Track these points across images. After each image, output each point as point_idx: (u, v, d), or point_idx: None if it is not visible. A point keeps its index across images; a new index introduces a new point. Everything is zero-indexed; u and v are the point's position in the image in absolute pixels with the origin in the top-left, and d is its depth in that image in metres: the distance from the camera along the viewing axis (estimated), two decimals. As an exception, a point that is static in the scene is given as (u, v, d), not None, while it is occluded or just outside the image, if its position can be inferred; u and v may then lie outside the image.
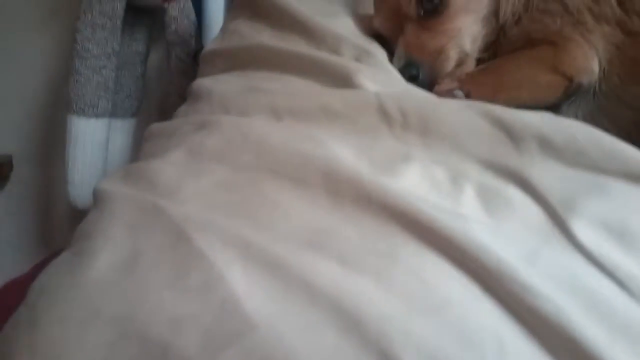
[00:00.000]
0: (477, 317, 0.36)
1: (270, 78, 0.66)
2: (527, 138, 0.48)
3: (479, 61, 0.74)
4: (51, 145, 1.28)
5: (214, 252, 0.39)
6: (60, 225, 1.30)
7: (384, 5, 0.77)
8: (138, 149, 1.11)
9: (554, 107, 0.69)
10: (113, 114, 1.05)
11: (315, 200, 0.44)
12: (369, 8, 0.86)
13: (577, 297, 0.38)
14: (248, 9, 0.81)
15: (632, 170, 0.44)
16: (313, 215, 0.43)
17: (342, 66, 0.62)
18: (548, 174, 0.46)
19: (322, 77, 0.63)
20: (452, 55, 0.72)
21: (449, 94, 0.67)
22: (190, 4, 1.04)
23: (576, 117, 0.68)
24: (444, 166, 0.48)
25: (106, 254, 0.41)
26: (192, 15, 1.04)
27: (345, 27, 0.76)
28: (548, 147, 0.47)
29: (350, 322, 0.35)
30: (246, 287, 0.37)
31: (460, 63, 0.72)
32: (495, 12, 0.73)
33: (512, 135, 0.49)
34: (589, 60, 0.66)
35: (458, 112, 0.52)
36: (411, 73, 0.70)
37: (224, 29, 0.83)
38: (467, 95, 0.66)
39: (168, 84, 1.06)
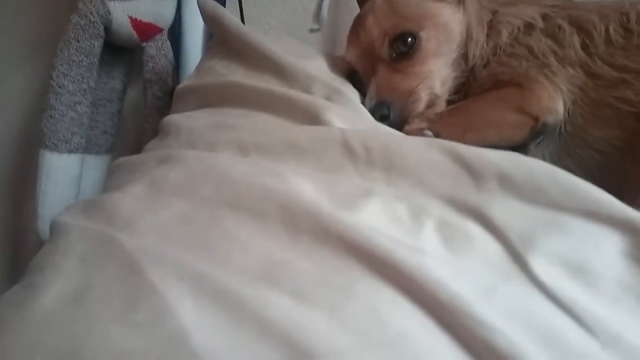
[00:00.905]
0: (431, 351, 0.36)
1: (240, 115, 0.66)
2: (488, 175, 0.48)
3: (449, 102, 0.75)
4: (23, 179, 1.26)
5: (165, 285, 0.38)
6: (28, 260, 1.27)
7: (357, 45, 0.78)
8: (111, 186, 1.11)
9: (522, 148, 0.70)
10: (87, 150, 1.04)
11: (273, 233, 0.44)
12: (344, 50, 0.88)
13: (534, 332, 0.37)
14: (223, 48, 0.82)
15: (589, 208, 0.45)
16: (270, 248, 0.42)
17: (312, 104, 0.63)
18: (507, 211, 0.46)
19: (292, 115, 0.64)
20: (423, 97, 0.73)
21: (418, 133, 0.68)
22: (168, 44, 1.05)
23: (543, 157, 0.69)
24: (405, 202, 0.48)
25: (56, 286, 0.40)
26: (170, 55, 1.05)
27: (317, 67, 0.77)
28: (507, 184, 0.48)
29: (300, 356, 0.34)
30: (196, 321, 0.36)
31: (430, 104, 0.74)
32: (464, 56, 0.75)
33: (473, 172, 0.49)
34: (554, 101, 0.67)
35: (421, 149, 0.52)
36: (382, 112, 0.71)
37: (199, 68, 0.84)
38: (437, 135, 0.67)
39: (144, 121, 1.06)
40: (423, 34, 0.73)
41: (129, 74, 1.12)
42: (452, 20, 0.75)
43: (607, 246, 0.43)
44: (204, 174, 0.50)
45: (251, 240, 0.43)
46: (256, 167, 0.51)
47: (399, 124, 0.70)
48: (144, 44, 1.04)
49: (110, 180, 0.60)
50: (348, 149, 0.53)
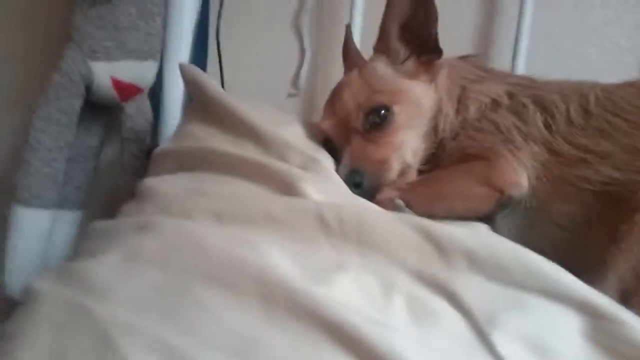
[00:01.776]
0: None
1: (216, 180, 0.68)
2: (455, 253, 0.50)
3: (420, 172, 0.78)
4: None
5: (136, 357, 0.39)
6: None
7: (333, 115, 0.81)
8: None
9: (489, 219, 0.72)
10: (59, 205, 1.04)
11: (247, 307, 0.44)
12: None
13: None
14: (202, 113, 0.84)
15: (549, 288, 0.47)
16: (243, 322, 0.43)
17: (288, 173, 0.65)
18: (473, 288, 0.48)
19: (267, 183, 0.65)
20: (395, 166, 0.76)
21: (389, 201, 0.70)
22: (148, 103, 1.07)
23: (508, 229, 0.71)
24: (376, 276, 0.49)
25: (26, 356, 0.40)
26: (149, 114, 1.07)
27: (294, 134, 0.80)
28: (473, 262, 0.50)
29: None
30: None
31: (402, 173, 0.76)
32: (435, 128, 0.78)
33: (441, 249, 0.51)
34: (518, 176, 0.70)
35: (393, 224, 0.54)
36: (355, 180, 0.73)
37: (177, 131, 0.85)
38: (407, 204, 0.69)
39: (118, 179, 1.07)
40: (396, 108, 0.77)
41: (106, 132, 1.13)
42: (424, 96, 0.78)
43: (567, 325, 0.45)
44: (179, 245, 0.51)
45: (225, 312, 0.44)
46: (232, 238, 0.52)
47: (372, 192, 0.72)
48: (124, 103, 1.06)
49: (86, 244, 0.60)
50: (322, 221, 0.55)
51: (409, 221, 0.54)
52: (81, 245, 0.62)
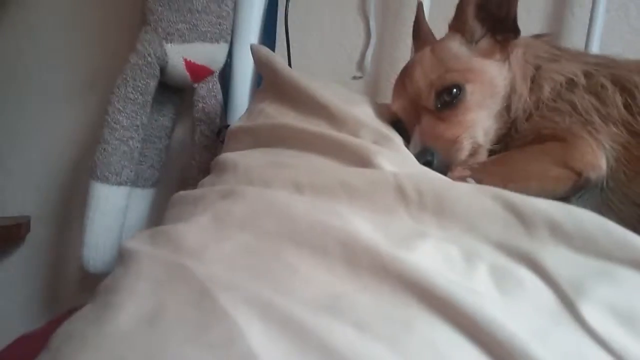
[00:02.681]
0: (488, 389, 0.37)
1: (293, 155, 0.69)
2: (538, 223, 0.50)
3: (491, 152, 0.77)
4: (68, 208, 1.31)
5: (235, 310, 0.41)
6: (69, 288, 1.31)
7: (403, 95, 0.81)
8: (154, 218, 1.15)
9: (563, 200, 0.71)
10: (134, 183, 1.08)
11: (333, 268, 0.46)
12: (386, 99, 0.92)
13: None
14: (274, 92, 0.86)
15: (639, 259, 0.46)
16: (331, 281, 0.45)
17: (362, 147, 0.66)
18: (558, 259, 0.47)
19: (342, 157, 0.67)
20: (466, 145, 0.75)
21: (461, 181, 0.70)
22: (218, 85, 1.10)
23: (583, 210, 0.70)
24: (457, 245, 0.50)
25: (131, 307, 0.43)
26: (220, 96, 1.10)
27: (364, 112, 0.80)
28: (558, 232, 0.49)
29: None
30: (265, 345, 0.38)
31: (473, 153, 0.76)
32: (507, 108, 0.77)
33: (524, 219, 0.51)
34: (597, 158, 0.68)
35: (472, 195, 0.54)
36: (426, 159, 0.73)
37: (250, 109, 0.88)
38: (479, 184, 0.69)
39: (189, 158, 1.10)
40: (468, 87, 0.76)
41: (178, 112, 1.17)
42: (498, 76, 0.78)
43: (657, 296, 0.44)
44: (266, 210, 0.53)
45: (312, 273, 0.45)
46: (315, 205, 0.54)
47: (442, 171, 0.72)
48: (195, 85, 1.09)
49: (172, 212, 0.63)
50: (401, 192, 0.56)
51: (489, 192, 0.55)
52: (167, 213, 0.65)
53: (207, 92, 1.08)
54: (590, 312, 0.43)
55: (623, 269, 0.46)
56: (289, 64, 1.13)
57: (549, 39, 0.86)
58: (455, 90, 0.76)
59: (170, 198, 0.68)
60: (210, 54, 1.07)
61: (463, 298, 0.41)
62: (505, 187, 0.68)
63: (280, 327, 0.40)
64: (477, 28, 0.80)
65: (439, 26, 0.90)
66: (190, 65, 1.05)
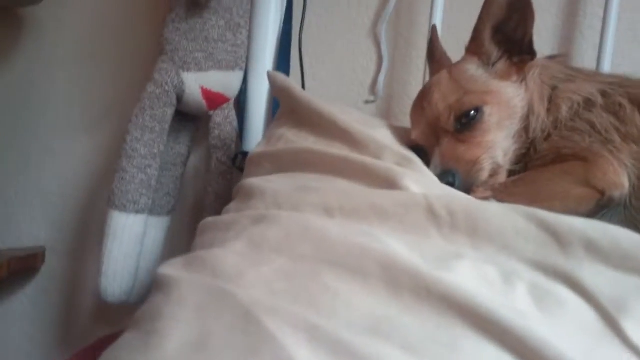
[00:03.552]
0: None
1: (318, 179, 0.70)
2: (574, 241, 0.50)
3: (511, 173, 0.78)
4: (83, 239, 1.32)
5: (282, 334, 0.41)
6: (84, 319, 1.31)
7: (422, 119, 0.82)
8: (171, 245, 1.15)
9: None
10: (151, 211, 1.09)
11: (374, 290, 0.46)
12: (399, 122, 0.93)
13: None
14: (292, 117, 0.87)
15: (678, 275, 0.46)
16: (373, 303, 0.45)
17: (388, 169, 0.66)
18: (597, 276, 0.48)
19: (368, 180, 0.67)
20: (486, 166, 0.76)
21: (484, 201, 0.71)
22: (233, 112, 1.11)
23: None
24: (494, 265, 0.50)
25: (176, 333, 0.43)
26: (235, 122, 1.11)
27: (384, 135, 0.81)
28: (594, 250, 0.50)
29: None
30: (315, 368, 0.38)
31: (493, 174, 0.76)
32: (526, 129, 0.78)
33: (559, 238, 0.51)
34: (620, 176, 0.69)
35: (504, 214, 0.55)
36: (448, 180, 0.73)
37: (269, 135, 0.88)
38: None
39: (205, 184, 1.11)
40: (487, 109, 0.77)
41: (193, 139, 1.18)
42: (515, 97, 0.78)
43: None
44: (301, 233, 0.53)
45: (353, 295, 0.46)
46: (349, 228, 0.54)
47: (464, 192, 0.73)
48: (211, 112, 1.10)
49: (203, 239, 0.64)
50: (432, 213, 0.56)
51: (521, 211, 0.55)
52: (198, 240, 0.65)
53: (223, 119, 1.09)
54: (634, 329, 0.43)
55: (663, 286, 0.46)
56: (303, 88, 1.15)
57: (564, 59, 0.87)
58: (473, 112, 0.77)
59: (199, 225, 0.68)
60: (226, 82, 1.08)
61: (509, 318, 0.41)
62: (527, 207, 0.70)
63: (329, 351, 0.40)
64: (493, 51, 0.81)
65: (452, 49, 0.92)
66: (206, 93, 1.07)
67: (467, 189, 0.74)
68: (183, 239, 1.22)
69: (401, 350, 0.40)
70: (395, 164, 0.72)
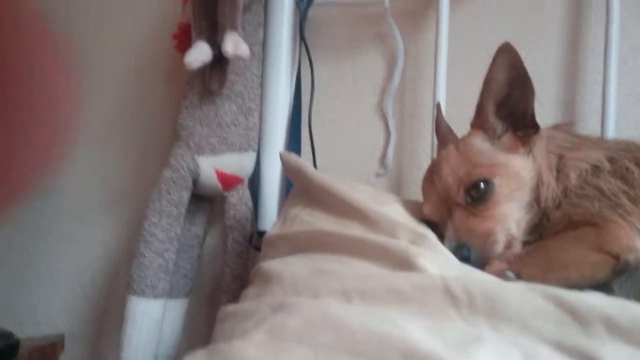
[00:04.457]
0: None
1: (334, 261, 0.71)
2: (594, 320, 0.50)
3: (525, 243, 0.78)
4: (101, 325, 1.32)
5: None
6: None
7: (432, 193, 0.84)
8: (189, 328, 1.14)
9: (605, 289, 0.70)
10: (169, 294, 1.09)
11: (396, 381, 0.46)
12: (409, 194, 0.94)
13: None
14: (306, 197, 0.89)
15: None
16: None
17: (403, 249, 0.67)
18: (620, 356, 0.47)
19: (383, 260, 0.68)
20: (500, 238, 0.76)
21: (500, 274, 0.70)
22: (248, 192, 1.14)
23: (627, 297, 0.70)
24: (516, 348, 0.50)
25: None
26: (250, 202, 1.13)
27: (397, 211, 0.82)
28: (615, 329, 0.49)
29: None
30: None
31: (508, 245, 0.77)
32: (537, 199, 0.79)
33: (578, 317, 0.51)
34: (632, 239, 0.69)
35: (522, 294, 0.55)
36: (463, 254, 0.74)
37: (284, 216, 0.90)
38: (518, 276, 0.69)
39: (222, 265, 1.12)
40: (496, 181, 0.78)
41: (209, 221, 1.20)
42: (523, 168, 0.80)
43: None
44: (321, 322, 0.53)
45: (377, 387, 0.45)
46: (369, 314, 0.54)
47: (479, 266, 0.73)
48: (226, 193, 1.13)
49: (223, 328, 0.64)
50: (450, 295, 0.56)
51: (538, 290, 0.55)
52: (218, 329, 0.65)
53: (238, 199, 1.12)
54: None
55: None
56: (314, 165, 1.17)
57: (568, 127, 0.90)
58: (483, 185, 0.78)
59: (219, 312, 0.69)
60: (240, 163, 1.12)
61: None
62: (544, 277, 0.69)
63: None
64: (498, 125, 0.83)
65: (456, 122, 0.94)
66: (221, 176, 1.09)
67: (482, 263, 0.74)
68: (201, 321, 1.22)
69: None
70: (410, 240, 0.73)
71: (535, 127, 0.81)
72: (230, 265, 1.09)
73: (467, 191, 0.79)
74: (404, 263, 0.66)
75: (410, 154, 1.21)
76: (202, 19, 1.06)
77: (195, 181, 1.09)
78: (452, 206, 0.81)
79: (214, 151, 1.08)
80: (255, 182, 1.15)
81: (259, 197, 1.14)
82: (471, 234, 0.77)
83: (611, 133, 1.03)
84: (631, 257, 0.68)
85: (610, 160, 0.77)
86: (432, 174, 0.86)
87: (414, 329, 0.51)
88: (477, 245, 0.76)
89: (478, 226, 0.78)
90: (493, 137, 0.83)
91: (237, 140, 1.10)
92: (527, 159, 0.81)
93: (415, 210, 0.86)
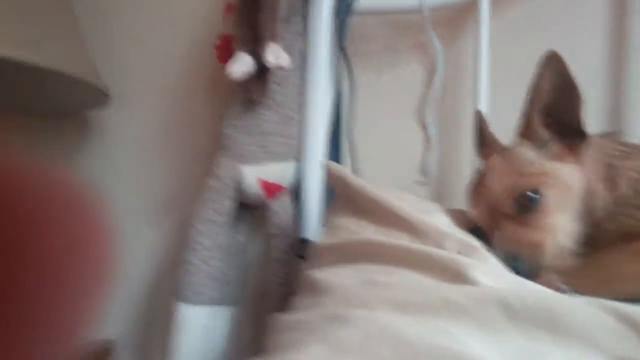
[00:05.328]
0: None
1: (383, 271, 0.71)
2: (659, 335, 0.50)
3: (577, 255, 0.77)
4: (150, 332, 1.34)
5: None
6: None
7: (480, 202, 0.83)
8: (238, 336, 1.16)
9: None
10: (217, 302, 1.11)
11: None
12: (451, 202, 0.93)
13: None
14: (350, 206, 0.89)
15: None
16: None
17: (454, 261, 0.67)
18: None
19: (434, 272, 0.67)
20: (550, 249, 0.76)
21: (553, 286, 0.70)
22: (289, 200, 1.15)
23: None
24: (579, 363, 0.49)
25: None
26: (291, 210, 1.14)
27: (442, 221, 0.82)
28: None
29: None
30: None
31: (558, 256, 0.76)
32: (587, 209, 0.78)
33: (640, 330, 0.51)
34: None
35: (582, 308, 0.54)
36: (513, 265, 0.73)
37: (328, 225, 0.91)
38: (572, 289, 0.69)
39: (267, 273, 1.13)
40: (545, 190, 0.78)
41: (252, 229, 1.22)
42: (572, 178, 0.79)
43: None
44: (379, 335, 0.53)
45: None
46: (427, 327, 0.54)
47: (530, 277, 0.72)
48: (268, 201, 1.14)
49: (276, 339, 0.64)
50: (507, 308, 0.56)
51: (597, 303, 0.54)
52: (270, 340, 0.66)
53: (280, 207, 1.13)
54: None
55: None
56: (356, 174, 1.18)
57: (617, 136, 0.89)
58: (532, 194, 0.78)
59: (271, 322, 0.70)
60: (282, 172, 1.13)
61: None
62: (599, 290, 0.69)
63: None
64: (544, 134, 0.82)
65: (498, 129, 0.94)
66: (264, 184, 1.11)
67: (533, 274, 0.73)
68: (249, 329, 1.23)
69: None
70: (458, 251, 0.72)
71: (583, 136, 0.80)
72: (276, 273, 1.10)
73: (516, 201, 0.79)
74: (454, 275, 0.66)
75: (451, 161, 1.21)
76: (244, 30, 1.07)
77: (239, 190, 1.11)
78: (500, 216, 0.80)
79: (256, 160, 1.09)
80: (297, 190, 1.16)
81: (301, 205, 1.15)
82: (520, 244, 0.77)
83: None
84: None
85: None
86: (478, 183, 0.86)
87: (474, 343, 0.51)
88: (526, 255, 0.75)
89: (527, 236, 0.77)
90: (540, 146, 0.82)
91: (278, 150, 1.11)
92: (576, 168, 0.80)
93: (460, 219, 0.85)
